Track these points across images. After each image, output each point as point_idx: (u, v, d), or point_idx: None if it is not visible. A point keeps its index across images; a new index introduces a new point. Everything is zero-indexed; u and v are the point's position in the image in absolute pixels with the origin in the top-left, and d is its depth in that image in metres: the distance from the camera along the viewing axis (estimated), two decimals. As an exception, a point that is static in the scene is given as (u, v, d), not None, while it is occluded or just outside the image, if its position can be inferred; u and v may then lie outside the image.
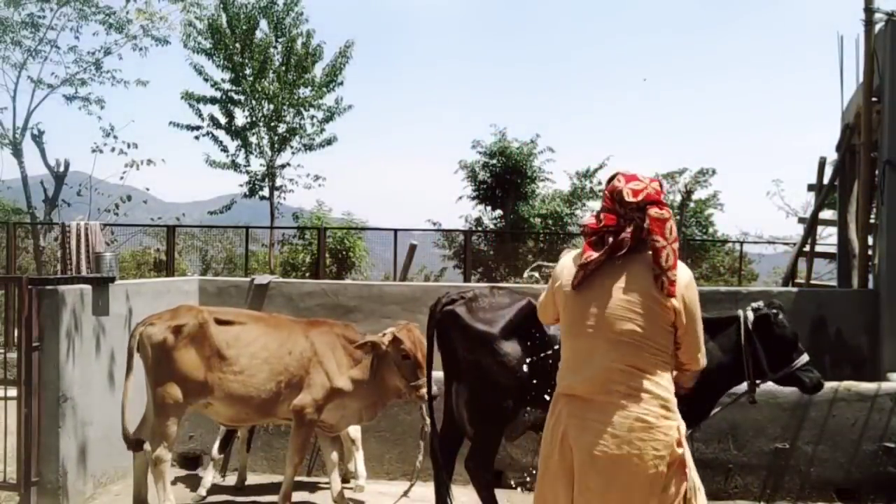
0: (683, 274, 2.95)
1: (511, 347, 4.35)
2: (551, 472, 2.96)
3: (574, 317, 2.97)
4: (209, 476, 5.61)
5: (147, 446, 4.91)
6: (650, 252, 2.89)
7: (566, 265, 3.05)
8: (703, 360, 3.08)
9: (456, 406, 4.52)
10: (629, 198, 2.93)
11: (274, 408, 5.03)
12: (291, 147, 16.00)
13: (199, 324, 4.91)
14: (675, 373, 3.03)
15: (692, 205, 20.01)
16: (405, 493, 5.52)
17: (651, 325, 2.87)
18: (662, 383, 2.88)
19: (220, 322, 5.00)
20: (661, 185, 3.06)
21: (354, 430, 5.64)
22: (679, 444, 2.87)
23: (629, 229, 2.93)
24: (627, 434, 2.80)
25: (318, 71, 15.72)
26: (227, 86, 15.51)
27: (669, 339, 2.93)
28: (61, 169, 14.96)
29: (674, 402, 2.91)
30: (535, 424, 4.65)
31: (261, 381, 4.94)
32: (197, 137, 15.79)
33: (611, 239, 2.94)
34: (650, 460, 2.80)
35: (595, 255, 2.94)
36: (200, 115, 15.68)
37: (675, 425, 2.88)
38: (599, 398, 2.86)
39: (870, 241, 7.62)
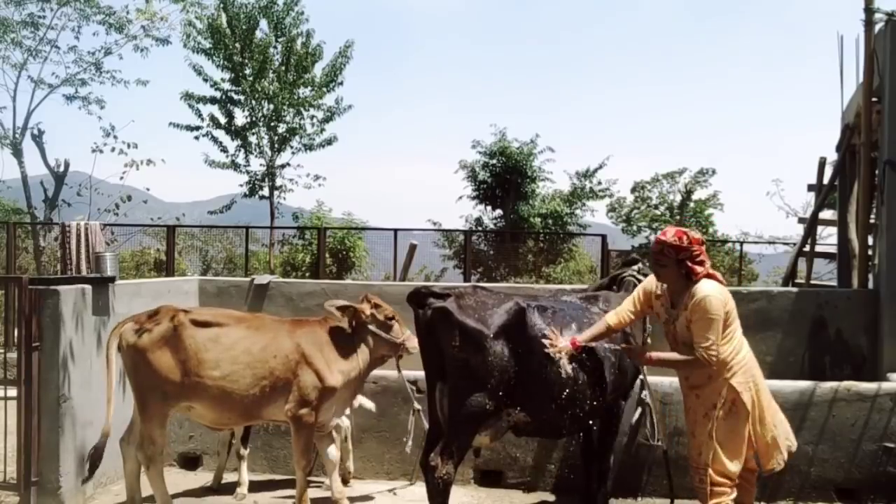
0: None
1: (500, 348, 4.33)
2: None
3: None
4: (244, 473, 5.63)
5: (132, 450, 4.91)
6: None
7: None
8: None
9: (440, 404, 4.47)
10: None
11: (259, 411, 4.94)
12: (291, 147, 15.98)
13: (173, 326, 4.80)
14: None
15: (692, 205, 20.00)
16: None
17: None
18: None
19: (197, 323, 4.85)
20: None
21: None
22: None
23: None
24: None
25: (317, 71, 15.70)
26: (226, 86, 15.48)
27: None
28: (61, 169, 14.98)
29: None
30: (517, 426, 4.63)
31: (244, 385, 4.81)
32: (197, 137, 15.77)
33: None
34: None
35: None
36: (200, 115, 15.66)
37: None
38: None
39: (870, 241, 7.61)
